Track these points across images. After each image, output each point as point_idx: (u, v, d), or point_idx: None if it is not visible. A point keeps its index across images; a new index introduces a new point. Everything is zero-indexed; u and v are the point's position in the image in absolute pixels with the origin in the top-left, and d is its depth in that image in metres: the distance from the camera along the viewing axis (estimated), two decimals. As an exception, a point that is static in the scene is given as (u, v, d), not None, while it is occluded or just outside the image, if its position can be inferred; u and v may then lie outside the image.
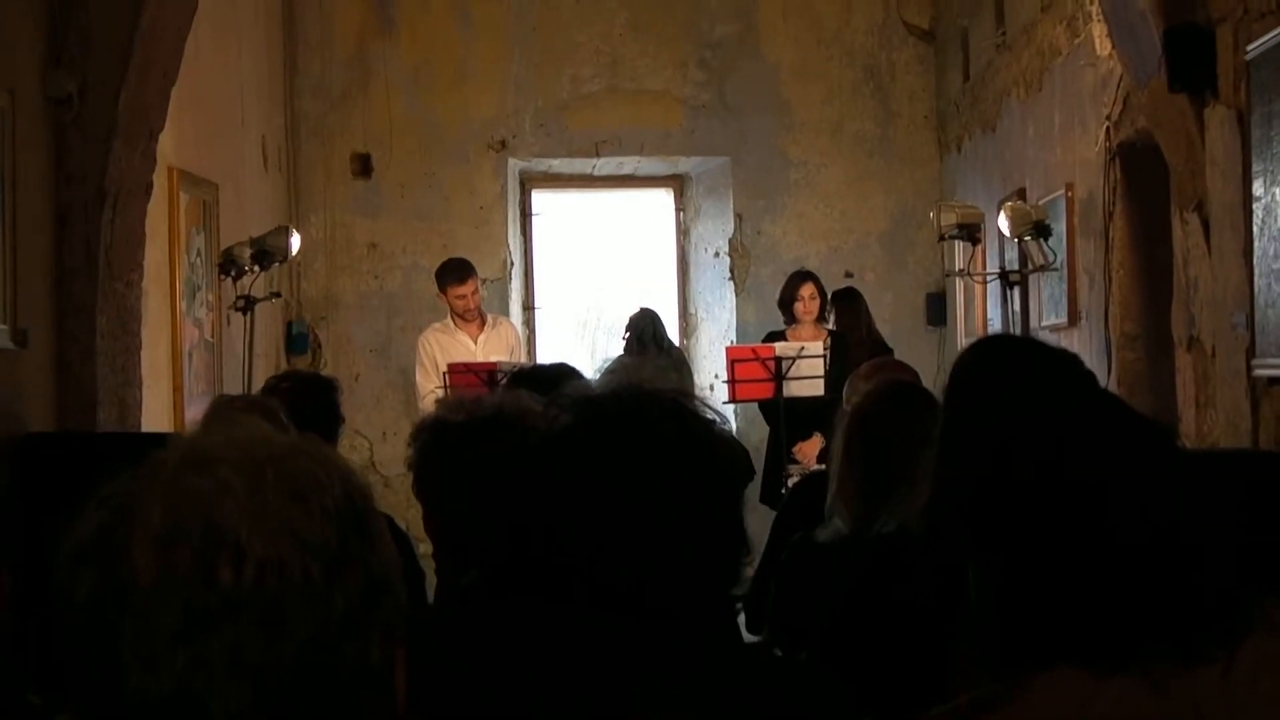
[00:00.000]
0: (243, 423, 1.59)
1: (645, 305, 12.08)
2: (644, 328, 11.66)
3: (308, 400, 5.57)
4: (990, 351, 3.46)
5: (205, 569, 1.38)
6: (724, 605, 2.24)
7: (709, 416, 2.25)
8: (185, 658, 1.38)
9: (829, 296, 10.94)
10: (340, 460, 1.54)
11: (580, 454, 2.15)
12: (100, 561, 1.41)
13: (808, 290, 10.61)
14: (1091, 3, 8.70)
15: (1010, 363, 3.29)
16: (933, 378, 9.43)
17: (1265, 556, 3.46)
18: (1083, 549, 1.92)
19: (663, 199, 14.26)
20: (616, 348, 11.50)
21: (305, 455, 1.50)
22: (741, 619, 3.49)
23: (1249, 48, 6.16)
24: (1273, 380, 6.17)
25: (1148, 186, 8.30)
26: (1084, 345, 9.05)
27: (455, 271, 10.64)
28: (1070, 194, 9.43)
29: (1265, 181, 6.05)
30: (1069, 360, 3.31)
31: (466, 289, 10.55)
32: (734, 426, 11.71)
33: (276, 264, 9.97)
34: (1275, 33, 5.89)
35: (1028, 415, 2.07)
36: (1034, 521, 1.95)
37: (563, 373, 4.68)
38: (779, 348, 9.93)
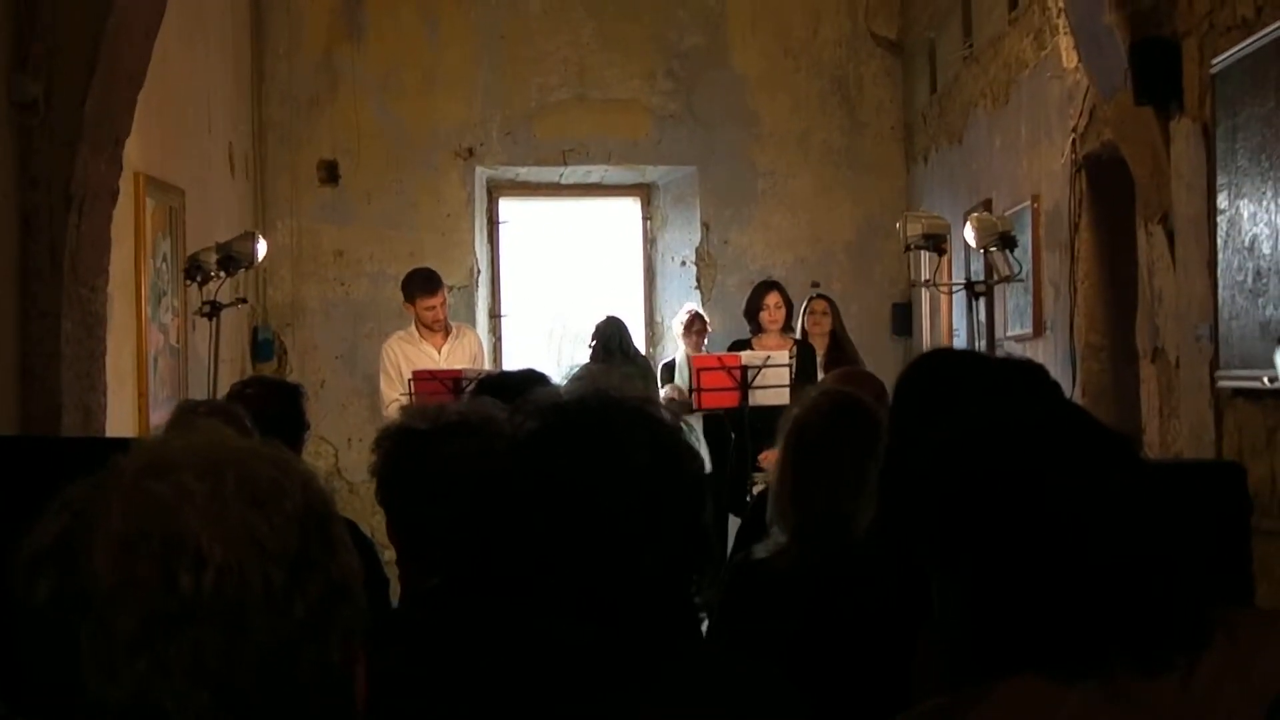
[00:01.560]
0: (203, 428, 1.58)
1: (612, 314, 12.08)
2: (610, 336, 11.66)
3: (272, 406, 5.55)
4: (939, 365, 3.47)
5: (165, 575, 1.38)
6: (688, 612, 2.24)
7: (673, 423, 2.25)
8: (145, 663, 1.37)
9: (809, 301, 10.99)
10: (301, 465, 1.53)
11: (546, 461, 2.15)
12: (60, 567, 1.40)
13: (773, 299, 10.65)
14: (1058, 16, 8.74)
15: (964, 376, 3.29)
16: (898, 388, 9.43)
17: (1226, 566, 3.48)
18: (1046, 559, 1.93)
19: (630, 208, 14.26)
20: (583, 356, 11.50)
21: (266, 460, 1.49)
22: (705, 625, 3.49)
23: (1214, 61, 6.19)
24: (1236, 391, 6.20)
25: (1113, 198, 8.33)
26: (1049, 356, 9.08)
27: (424, 284, 10.56)
28: (1036, 205, 9.46)
29: (1229, 194, 6.08)
30: (1032, 370, 3.31)
31: (435, 300, 10.49)
32: (700, 434, 11.73)
33: (242, 270, 9.95)
34: (1240, 46, 5.92)
35: (994, 426, 2.08)
36: (999, 532, 1.96)
37: (530, 379, 4.68)
38: (745, 356, 9.94)
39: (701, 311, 11.80)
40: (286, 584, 1.42)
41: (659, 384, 11.06)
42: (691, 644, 2.27)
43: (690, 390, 10.19)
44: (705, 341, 11.53)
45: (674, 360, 11.39)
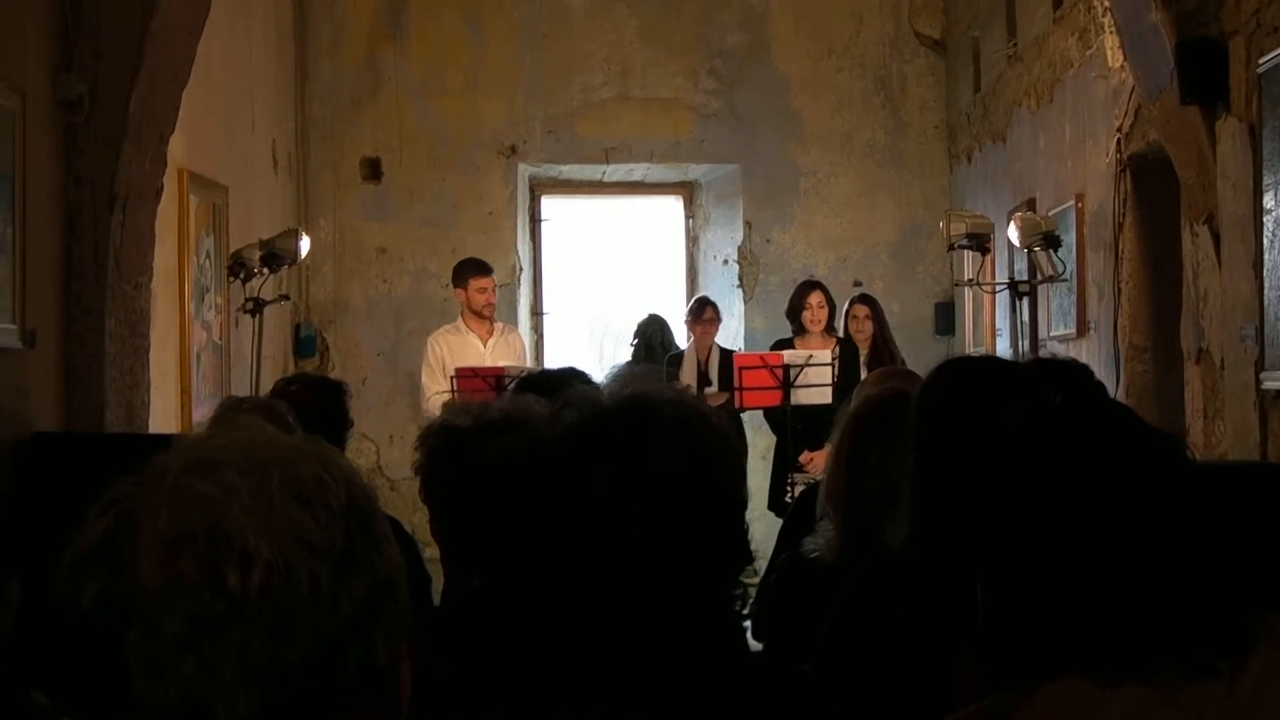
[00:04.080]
0: (245, 424, 1.58)
1: (654, 312, 12.08)
2: (652, 334, 11.68)
3: (316, 403, 5.56)
4: (961, 373, 3.45)
5: (212, 574, 1.37)
6: (729, 616, 2.23)
7: (714, 421, 2.24)
8: (192, 663, 1.37)
9: (851, 304, 10.96)
10: (344, 461, 1.52)
11: (584, 469, 2.14)
12: (106, 568, 1.40)
13: (816, 299, 10.63)
14: (1104, 15, 8.70)
15: (988, 382, 3.27)
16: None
17: (1270, 569, 3.46)
18: (1090, 560, 1.92)
19: (672, 206, 14.27)
20: (625, 354, 11.50)
21: (309, 457, 1.49)
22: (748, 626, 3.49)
23: (1261, 61, 6.16)
24: (1281, 393, 6.17)
25: (1158, 199, 8.29)
26: (1092, 356, 9.05)
27: (478, 267, 10.69)
28: (1080, 205, 9.43)
29: (1276, 194, 6.04)
30: (1077, 371, 3.30)
31: (488, 281, 10.63)
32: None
33: (285, 267, 9.97)
34: (1287, 46, 5.90)
35: (1036, 428, 2.07)
36: (1042, 534, 1.95)
37: (572, 378, 4.67)
38: (787, 355, 9.93)
39: (711, 299, 11.71)
40: (333, 581, 1.42)
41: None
42: (734, 650, 2.26)
43: (698, 385, 10.12)
44: (717, 331, 11.47)
45: (681, 353, 11.33)
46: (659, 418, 2.18)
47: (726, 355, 11.15)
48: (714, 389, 10.62)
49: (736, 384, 9.91)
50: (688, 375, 10.76)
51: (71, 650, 1.41)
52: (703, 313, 11.30)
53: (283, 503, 1.42)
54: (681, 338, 11.97)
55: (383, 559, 1.49)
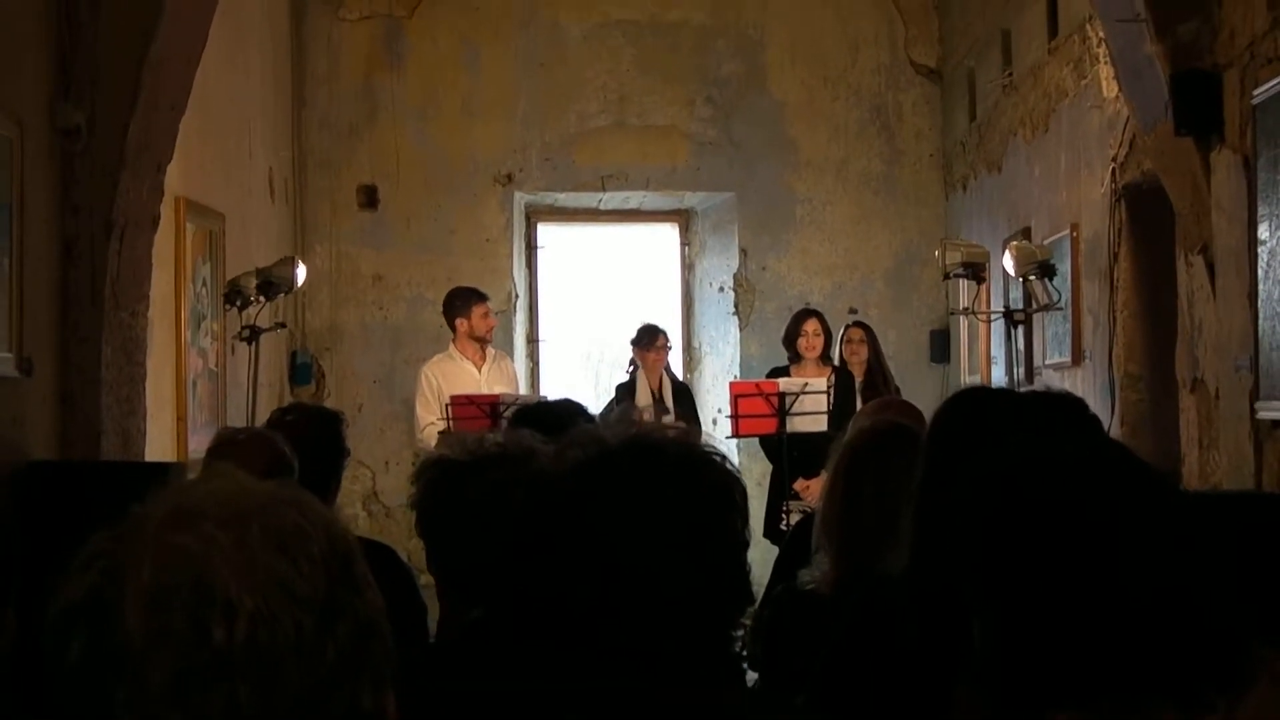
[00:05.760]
0: (222, 472, 1.58)
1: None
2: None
3: (312, 433, 5.55)
4: (973, 404, 3.44)
5: (197, 627, 1.38)
6: (730, 661, 2.23)
7: (720, 465, 2.25)
8: (180, 717, 1.38)
9: (846, 329, 10.95)
10: (321, 507, 1.53)
11: (590, 511, 2.14)
12: (91, 625, 1.40)
13: (812, 327, 10.63)
14: (1099, 45, 8.73)
15: (999, 414, 3.27)
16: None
17: (1267, 600, 3.46)
18: (1086, 597, 1.92)
19: (668, 233, 14.29)
20: (620, 379, 11.48)
21: (287, 505, 1.49)
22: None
23: (1255, 93, 6.18)
24: (1276, 423, 6.18)
25: (1153, 229, 8.31)
26: (1087, 385, 9.06)
27: (475, 293, 10.79)
28: (1075, 234, 9.44)
29: (1271, 225, 6.06)
30: (1072, 404, 3.30)
31: (488, 306, 10.70)
32: (736, 462, 11.73)
33: (282, 295, 9.99)
34: (1281, 78, 5.92)
35: (1034, 463, 2.07)
36: (1039, 570, 1.95)
37: (569, 410, 4.67)
38: (783, 383, 9.94)
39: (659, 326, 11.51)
40: (316, 628, 1.42)
41: (614, 404, 10.85)
42: (735, 694, 2.26)
43: (655, 413, 10.07)
44: (667, 359, 11.38)
45: (631, 381, 11.17)
46: (663, 457, 2.19)
47: (679, 382, 11.21)
48: (670, 417, 10.59)
49: (732, 411, 9.92)
50: (643, 404, 10.70)
51: (61, 704, 1.42)
52: (656, 341, 11.22)
53: (264, 553, 1.43)
54: (678, 367, 11.97)
55: (365, 603, 1.50)
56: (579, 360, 15.08)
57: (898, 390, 10.26)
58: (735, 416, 9.91)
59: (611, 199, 13.64)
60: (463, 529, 3.11)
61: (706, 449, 2.27)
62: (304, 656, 1.41)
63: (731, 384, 10.72)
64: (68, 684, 1.42)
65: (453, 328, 10.75)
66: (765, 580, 5.26)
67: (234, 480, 1.55)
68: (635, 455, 2.19)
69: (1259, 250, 6.17)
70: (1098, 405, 8.32)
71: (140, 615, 1.38)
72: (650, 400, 10.86)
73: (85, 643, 1.40)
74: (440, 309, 11.09)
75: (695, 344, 13.94)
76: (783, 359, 10.86)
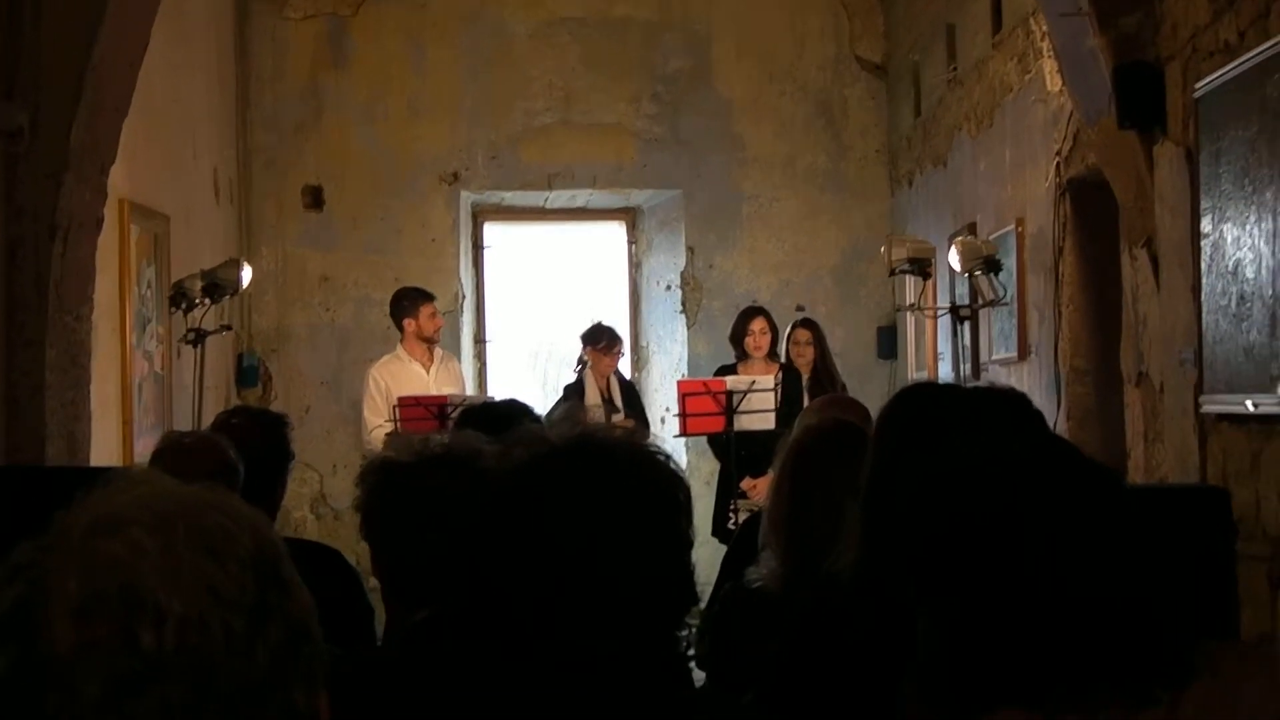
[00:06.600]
0: (145, 479, 1.56)
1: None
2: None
3: (257, 436, 5.51)
4: (920, 401, 3.44)
5: (126, 635, 1.36)
6: (677, 660, 2.24)
7: (664, 464, 2.25)
8: None
9: (792, 329, 10.95)
10: (246, 509, 1.52)
11: (535, 510, 2.14)
12: (18, 637, 1.38)
13: (759, 325, 10.64)
14: (1042, 39, 8.76)
15: (945, 412, 3.27)
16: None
17: (1210, 592, 3.48)
18: (1029, 594, 1.93)
19: (615, 232, 14.29)
20: (568, 379, 11.46)
21: (214, 508, 1.48)
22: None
23: (1197, 85, 6.20)
24: (1220, 416, 6.20)
25: (1097, 223, 8.34)
26: (1034, 380, 9.10)
27: (424, 293, 10.78)
28: (1020, 229, 9.47)
29: (1213, 219, 6.09)
30: (1015, 401, 3.30)
31: (437, 307, 10.72)
32: (684, 461, 11.75)
33: (227, 297, 9.96)
34: (1223, 71, 5.93)
35: (977, 463, 2.08)
36: (982, 568, 1.96)
37: (514, 410, 4.67)
38: (730, 382, 9.95)
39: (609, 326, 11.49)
40: (247, 631, 1.41)
41: (562, 402, 10.86)
42: (682, 693, 2.26)
43: (605, 412, 10.10)
44: (618, 364, 11.41)
45: (579, 381, 11.14)
46: (607, 457, 2.19)
47: (626, 381, 11.25)
48: (621, 415, 10.61)
49: (680, 410, 9.93)
50: (592, 404, 10.70)
51: None
52: (613, 348, 11.21)
53: (191, 556, 1.41)
54: (625, 365, 11.96)
55: (294, 603, 1.48)
56: (526, 360, 15.07)
57: (844, 388, 10.27)
58: (683, 415, 9.92)
59: (558, 197, 13.63)
60: (407, 531, 3.10)
61: (650, 448, 2.27)
62: (235, 659, 1.40)
63: (679, 382, 10.73)
64: None
65: (400, 328, 10.72)
66: (713, 579, 5.25)
67: (158, 484, 1.53)
68: (579, 455, 2.19)
69: (1202, 243, 6.20)
70: (1043, 400, 8.39)
71: (68, 625, 1.36)
72: (599, 400, 10.85)
73: (14, 655, 1.38)
74: (388, 309, 11.06)
75: (643, 342, 13.94)
76: (730, 357, 10.87)
